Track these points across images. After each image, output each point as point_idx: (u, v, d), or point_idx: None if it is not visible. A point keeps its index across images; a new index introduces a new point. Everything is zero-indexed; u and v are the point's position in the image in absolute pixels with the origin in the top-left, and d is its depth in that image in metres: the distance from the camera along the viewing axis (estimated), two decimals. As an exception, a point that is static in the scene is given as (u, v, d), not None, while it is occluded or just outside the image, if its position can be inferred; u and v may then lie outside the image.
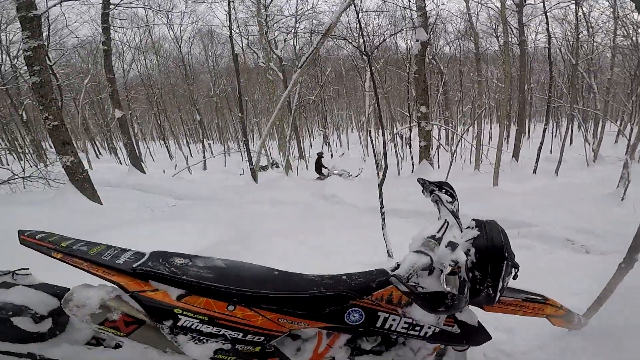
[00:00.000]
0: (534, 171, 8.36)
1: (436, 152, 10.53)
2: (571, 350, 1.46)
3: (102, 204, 5.17)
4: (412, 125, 10.60)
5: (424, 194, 1.48)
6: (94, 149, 22.96)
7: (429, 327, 1.13)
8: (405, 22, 12.73)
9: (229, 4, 8.11)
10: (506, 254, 1.07)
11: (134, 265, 1.09)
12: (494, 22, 14.53)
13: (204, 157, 16.52)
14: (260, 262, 1.34)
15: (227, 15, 8.18)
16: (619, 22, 10.95)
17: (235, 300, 1.09)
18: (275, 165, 14.51)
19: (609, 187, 5.66)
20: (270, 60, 11.64)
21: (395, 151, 11.36)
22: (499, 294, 1.08)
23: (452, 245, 1.02)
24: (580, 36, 11.80)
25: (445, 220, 1.22)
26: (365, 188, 6.81)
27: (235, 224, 4.41)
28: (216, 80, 22.06)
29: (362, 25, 16.36)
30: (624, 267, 1.58)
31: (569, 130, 16.04)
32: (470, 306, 1.20)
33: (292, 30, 13.56)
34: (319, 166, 10.64)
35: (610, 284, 1.61)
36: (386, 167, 3.43)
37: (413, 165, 10.05)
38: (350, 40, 6.92)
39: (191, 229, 3.70)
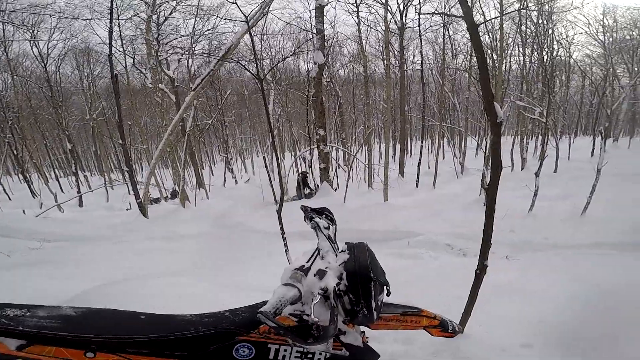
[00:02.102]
0: (417, 185, 9.34)
1: (335, 173, 11.06)
2: (462, 354, 1.59)
3: None
4: (312, 147, 10.99)
5: (305, 221, 1.50)
6: None
7: (320, 354, 1.14)
8: (307, 44, 13.16)
9: (110, 22, 7.30)
10: (372, 275, 1.11)
11: None
12: (382, 45, 16.21)
13: (78, 191, 13.95)
14: (150, 305, 1.19)
15: (109, 32, 7.34)
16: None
17: (94, 347, 1.04)
18: (174, 197, 13.22)
19: (474, 195, 6.78)
20: (159, 81, 10.78)
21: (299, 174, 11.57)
22: (375, 312, 1.12)
23: (321, 274, 1.04)
24: (445, 58, 14.05)
25: (317, 248, 1.24)
26: (272, 212, 6.71)
27: (119, 265, 3.97)
28: (92, 102, 19.29)
29: (268, 46, 16.60)
30: (479, 274, 1.77)
31: (441, 146, 18.74)
32: (359, 326, 1.23)
33: (187, 51, 12.89)
34: (301, 186, 10.03)
35: (472, 290, 1.79)
36: (282, 194, 3.42)
37: (316, 187, 10.37)
38: (243, 64, 6.87)
39: (59, 274, 3.34)
